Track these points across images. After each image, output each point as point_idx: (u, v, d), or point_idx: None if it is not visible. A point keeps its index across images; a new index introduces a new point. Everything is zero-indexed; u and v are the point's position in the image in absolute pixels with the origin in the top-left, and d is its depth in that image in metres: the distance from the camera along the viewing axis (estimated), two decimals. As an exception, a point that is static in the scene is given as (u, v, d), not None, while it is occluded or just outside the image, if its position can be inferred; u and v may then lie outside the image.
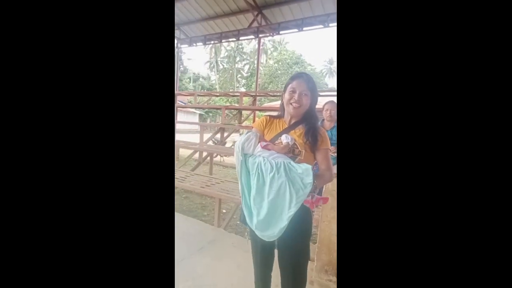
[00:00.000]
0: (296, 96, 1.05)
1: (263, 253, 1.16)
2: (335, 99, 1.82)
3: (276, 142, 1.08)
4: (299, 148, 1.05)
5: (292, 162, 1.00)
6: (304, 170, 0.95)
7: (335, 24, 5.25)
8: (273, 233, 0.99)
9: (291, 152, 1.05)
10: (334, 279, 1.82)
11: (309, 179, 0.94)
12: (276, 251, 1.17)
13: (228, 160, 7.72)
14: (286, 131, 1.09)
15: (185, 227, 2.54)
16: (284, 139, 1.05)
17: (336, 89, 1.78)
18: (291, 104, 1.07)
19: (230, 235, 2.59)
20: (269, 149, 1.05)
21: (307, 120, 1.09)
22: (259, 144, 1.07)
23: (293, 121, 1.11)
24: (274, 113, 1.24)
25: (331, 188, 1.61)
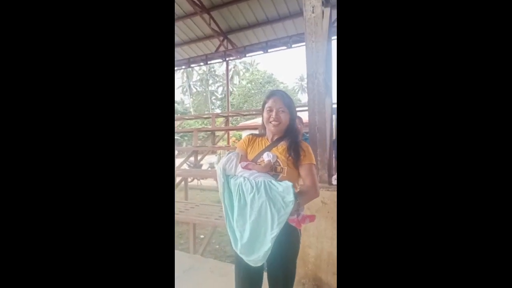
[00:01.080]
0: (273, 114, 1.07)
1: (251, 279, 1.10)
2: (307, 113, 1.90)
3: (259, 160, 1.07)
4: (281, 165, 1.04)
5: (272, 181, 0.98)
6: (284, 188, 0.93)
7: (298, 44, 5.59)
8: (258, 257, 0.96)
9: (273, 170, 1.04)
10: (312, 292, 1.81)
11: (290, 197, 0.91)
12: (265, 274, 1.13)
13: (205, 182, 7.55)
14: (268, 148, 1.09)
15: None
16: (266, 157, 1.04)
17: (307, 101, 1.85)
18: (270, 122, 1.08)
19: (207, 260, 2.50)
20: (249, 169, 1.03)
21: (289, 135, 1.09)
22: (240, 164, 1.05)
23: (275, 138, 1.11)
24: (255, 132, 1.24)
25: (318, 199, 1.65)
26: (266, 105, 1.10)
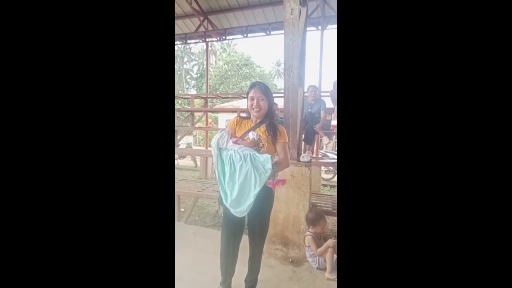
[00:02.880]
0: (255, 102, 1.39)
1: (235, 227, 1.45)
2: (282, 99, 2.26)
3: (245, 137, 1.40)
4: (262, 142, 1.38)
5: (256, 153, 1.31)
6: (265, 159, 1.28)
7: (277, 32, 5.79)
8: (243, 209, 1.30)
9: (256, 145, 1.37)
10: (280, 247, 2.23)
11: (269, 165, 1.26)
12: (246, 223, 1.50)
13: (182, 162, 7.71)
14: (253, 129, 1.41)
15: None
16: (251, 135, 1.38)
17: (283, 89, 2.18)
18: (253, 109, 1.40)
19: (190, 226, 2.83)
20: (238, 144, 1.35)
21: (268, 119, 1.41)
22: (231, 140, 1.37)
23: (258, 121, 1.43)
24: (234, 114, 1.59)
25: (288, 172, 1.98)
26: (249, 95, 1.42)
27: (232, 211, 1.34)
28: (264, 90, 1.41)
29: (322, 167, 4.94)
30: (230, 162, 1.31)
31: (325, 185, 5.08)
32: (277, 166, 1.36)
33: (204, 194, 2.80)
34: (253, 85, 1.44)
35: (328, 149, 5.73)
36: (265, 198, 1.39)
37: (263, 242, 1.52)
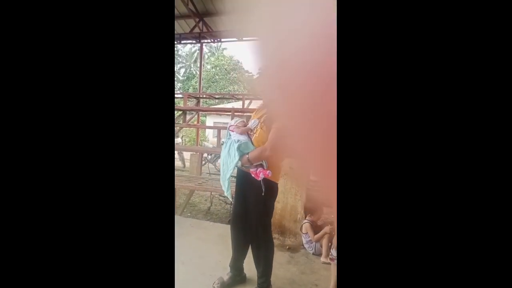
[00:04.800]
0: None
1: (235, 216, 1.52)
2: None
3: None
4: (257, 129, 1.39)
5: (238, 141, 1.34)
6: (238, 146, 1.31)
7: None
8: (224, 189, 1.40)
9: (250, 131, 1.43)
10: (277, 236, 2.35)
11: (237, 152, 1.30)
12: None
13: (170, 162, 7.64)
14: (257, 115, 1.45)
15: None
16: (250, 123, 1.45)
17: None
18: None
19: (186, 219, 2.87)
20: (232, 131, 1.43)
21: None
22: (229, 128, 1.47)
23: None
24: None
25: (287, 165, 2.11)
26: None
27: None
28: None
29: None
30: (223, 148, 1.43)
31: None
32: (251, 153, 1.31)
33: (202, 187, 2.87)
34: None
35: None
36: (257, 192, 1.34)
37: (263, 239, 1.43)
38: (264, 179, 1.31)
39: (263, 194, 1.33)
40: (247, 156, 1.30)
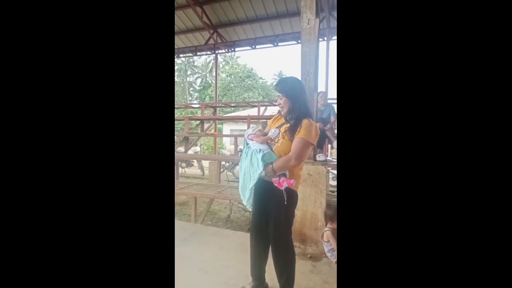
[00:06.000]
0: (278, 101, 1.42)
1: (255, 225, 1.49)
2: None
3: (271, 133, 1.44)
4: (278, 138, 1.38)
5: (261, 150, 1.33)
6: (262, 156, 1.30)
7: (284, 43, 6.06)
8: (245, 200, 1.43)
9: (271, 141, 1.41)
10: (298, 244, 2.31)
11: (262, 163, 1.29)
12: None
13: (189, 171, 7.82)
14: (280, 126, 1.43)
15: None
16: (271, 132, 1.42)
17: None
18: (279, 107, 1.43)
19: (207, 227, 2.91)
20: (252, 140, 1.42)
21: (291, 115, 1.39)
22: (248, 137, 1.46)
23: (287, 118, 1.43)
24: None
25: (305, 171, 2.07)
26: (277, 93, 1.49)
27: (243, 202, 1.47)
28: (282, 88, 1.40)
29: (330, 175, 5.04)
30: (242, 157, 1.44)
31: (332, 192, 5.14)
32: (276, 163, 1.31)
33: (222, 195, 2.90)
34: (276, 84, 1.45)
35: (331, 156, 5.83)
36: (279, 201, 1.33)
37: (286, 247, 1.42)
38: (286, 188, 1.31)
39: (285, 203, 1.33)
40: (271, 166, 1.31)
